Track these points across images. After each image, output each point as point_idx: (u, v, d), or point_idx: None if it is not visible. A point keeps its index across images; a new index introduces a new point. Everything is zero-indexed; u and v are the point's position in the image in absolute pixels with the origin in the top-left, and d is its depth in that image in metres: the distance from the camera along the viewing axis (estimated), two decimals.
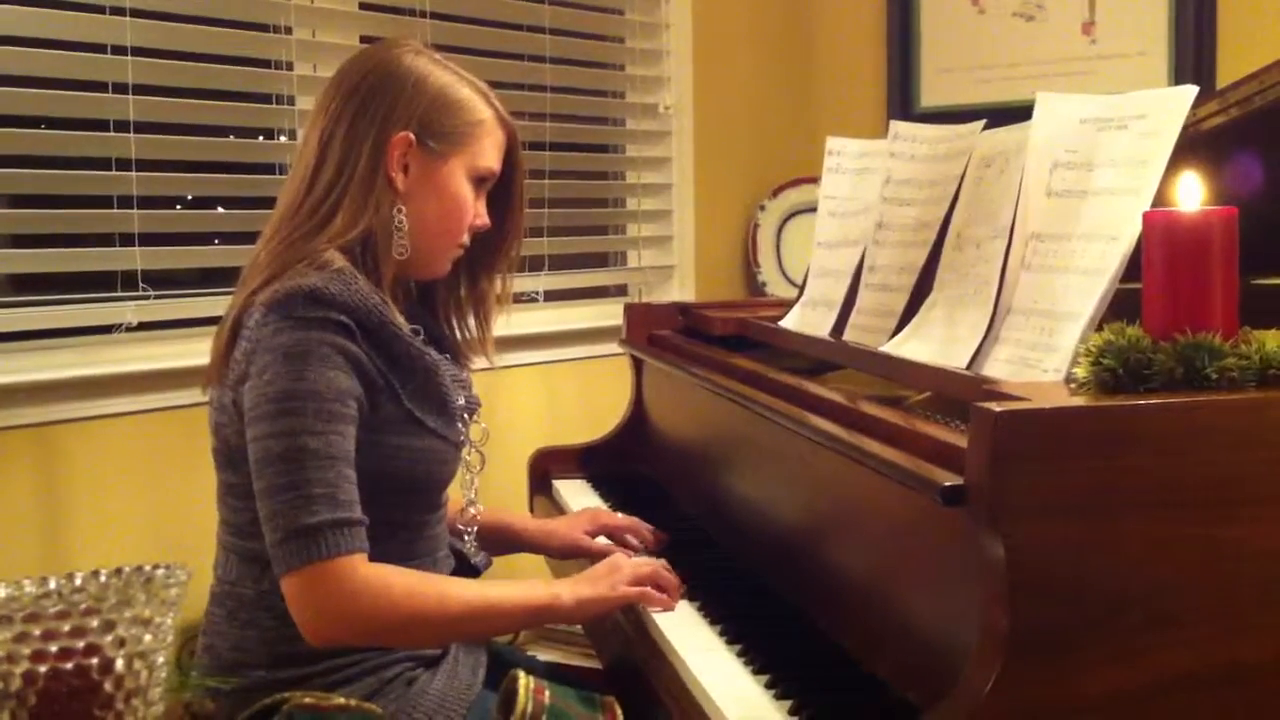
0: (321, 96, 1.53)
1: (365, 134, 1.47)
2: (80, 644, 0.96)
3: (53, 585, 1.06)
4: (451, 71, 1.54)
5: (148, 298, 2.19)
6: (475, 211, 1.55)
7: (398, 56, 1.52)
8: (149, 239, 2.20)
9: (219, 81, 2.34)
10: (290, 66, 2.41)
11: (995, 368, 1.36)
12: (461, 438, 1.54)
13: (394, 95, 1.48)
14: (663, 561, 1.56)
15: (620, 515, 1.83)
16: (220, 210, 2.46)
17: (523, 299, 2.83)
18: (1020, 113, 1.46)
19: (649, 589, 1.48)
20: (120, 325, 2.16)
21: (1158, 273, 1.12)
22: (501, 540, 1.77)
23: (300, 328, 1.36)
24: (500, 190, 1.60)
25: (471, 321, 1.66)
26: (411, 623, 1.37)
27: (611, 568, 1.50)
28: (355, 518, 1.34)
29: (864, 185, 1.88)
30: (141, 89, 2.18)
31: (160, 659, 1.02)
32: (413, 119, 1.48)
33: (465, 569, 1.59)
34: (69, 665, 0.96)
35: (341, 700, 1.38)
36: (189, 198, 2.43)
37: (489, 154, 1.54)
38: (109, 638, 0.97)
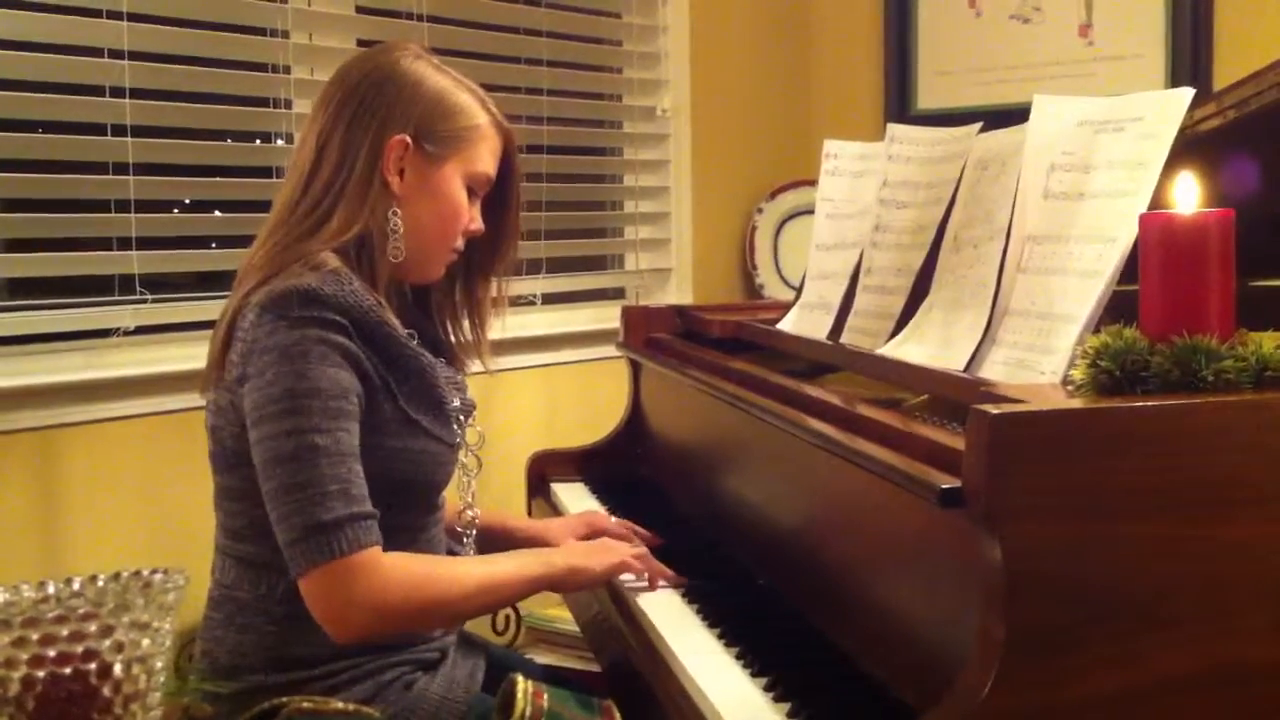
0: (319, 98, 1.53)
1: (362, 136, 1.47)
2: (78, 649, 0.96)
3: (51, 590, 1.06)
4: (450, 76, 1.54)
5: (145, 301, 2.18)
6: (470, 216, 1.55)
7: (397, 60, 1.52)
8: (146, 243, 2.20)
9: (216, 85, 2.33)
10: (287, 70, 2.41)
11: (992, 370, 1.36)
12: (457, 440, 1.54)
13: (392, 98, 1.48)
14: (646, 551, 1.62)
15: (615, 520, 1.83)
16: (218, 214, 2.46)
17: (520, 302, 2.82)
18: (1017, 115, 1.46)
19: (627, 559, 1.56)
20: (118, 329, 2.15)
21: (1155, 275, 1.12)
22: (497, 541, 1.77)
23: (297, 327, 1.36)
24: (496, 195, 1.60)
25: (466, 325, 1.66)
26: (432, 606, 1.39)
27: (605, 544, 1.60)
28: (369, 511, 1.35)
29: (861, 188, 1.88)
30: (139, 93, 2.18)
31: (158, 663, 1.02)
32: (410, 122, 1.48)
33: None
34: (67, 670, 0.96)
35: (340, 704, 1.38)
36: (186, 201, 2.43)
37: (485, 159, 1.55)
38: (107, 642, 0.97)
